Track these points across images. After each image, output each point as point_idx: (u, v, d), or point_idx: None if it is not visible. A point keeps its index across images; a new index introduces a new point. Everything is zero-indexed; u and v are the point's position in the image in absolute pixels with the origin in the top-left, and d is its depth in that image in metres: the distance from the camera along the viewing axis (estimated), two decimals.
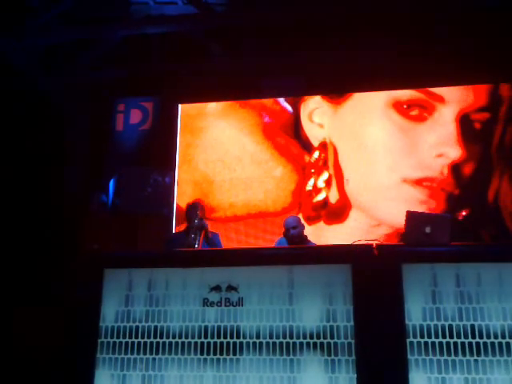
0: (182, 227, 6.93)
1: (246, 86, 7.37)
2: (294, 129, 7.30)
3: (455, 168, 6.70)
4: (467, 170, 6.71)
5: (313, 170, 7.07)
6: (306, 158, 7.16)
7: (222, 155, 7.37)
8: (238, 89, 7.36)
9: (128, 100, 7.87)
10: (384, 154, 6.94)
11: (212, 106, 7.59)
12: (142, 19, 7.05)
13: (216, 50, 7.27)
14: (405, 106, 7.03)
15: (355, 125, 7.12)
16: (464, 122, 6.82)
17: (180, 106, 7.62)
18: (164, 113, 7.72)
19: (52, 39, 7.27)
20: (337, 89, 7.32)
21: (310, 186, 7.02)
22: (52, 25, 7.02)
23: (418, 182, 6.74)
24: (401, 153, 6.89)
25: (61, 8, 6.87)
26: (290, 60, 7.20)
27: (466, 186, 6.69)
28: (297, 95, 7.41)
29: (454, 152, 6.73)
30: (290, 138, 7.28)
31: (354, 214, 6.86)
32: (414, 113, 6.98)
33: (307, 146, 7.20)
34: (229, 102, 7.56)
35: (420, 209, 6.58)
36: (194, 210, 5.18)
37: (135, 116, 7.79)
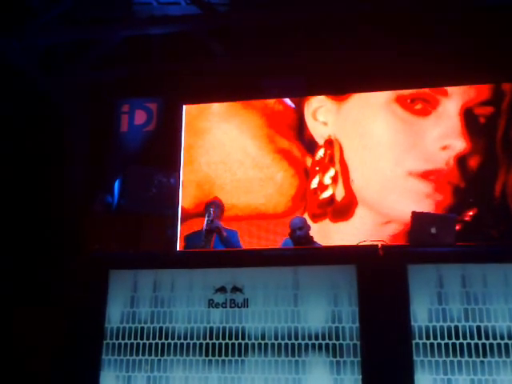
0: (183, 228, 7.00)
1: (250, 86, 7.36)
2: (298, 129, 7.31)
3: (461, 160, 6.71)
4: (473, 162, 6.71)
5: (317, 168, 7.07)
6: (309, 160, 7.15)
7: (223, 158, 7.36)
8: (241, 89, 7.35)
9: (132, 101, 7.86)
10: (389, 148, 6.95)
11: (214, 107, 7.57)
12: (145, 19, 7.04)
13: (219, 51, 7.25)
14: (408, 101, 7.05)
15: (360, 121, 7.13)
16: (468, 116, 6.84)
17: (184, 106, 7.61)
18: (168, 114, 7.71)
19: (52, 39, 7.25)
20: (339, 89, 7.32)
21: (314, 183, 7.01)
22: (53, 25, 7.01)
23: (424, 175, 6.74)
24: (406, 147, 6.89)
25: (61, 8, 6.86)
26: (294, 60, 7.20)
27: (472, 179, 6.69)
28: (300, 95, 7.40)
29: (459, 144, 6.73)
30: (294, 140, 7.27)
31: (360, 212, 6.86)
32: (418, 107, 7.00)
33: (310, 147, 7.19)
34: (231, 104, 7.55)
35: (426, 202, 6.61)
36: (207, 210, 5.14)
37: (140, 117, 7.78)
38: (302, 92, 7.40)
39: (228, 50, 7.27)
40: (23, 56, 7.22)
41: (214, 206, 5.23)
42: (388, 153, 6.93)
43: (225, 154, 7.37)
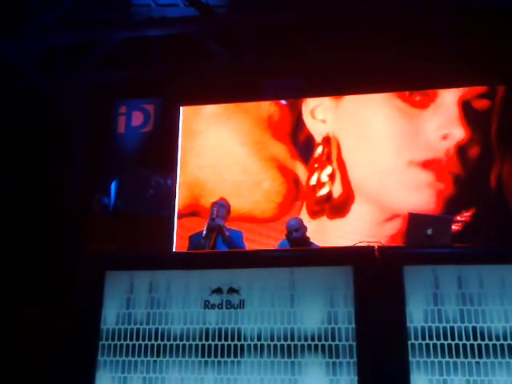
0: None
1: (248, 88, 7.37)
2: (292, 133, 7.33)
3: (461, 150, 6.76)
4: (472, 152, 6.76)
5: (316, 165, 7.10)
6: (300, 167, 7.18)
7: (213, 162, 7.40)
8: (239, 90, 7.36)
9: (129, 102, 7.88)
10: (389, 139, 7.02)
11: (206, 110, 7.60)
12: (144, 21, 7.05)
13: (217, 52, 7.26)
14: (407, 94, 7.13)
15: (359, 114, 7.20)
16: (466, 107, 6.92)
17: (182, 108, 7.62)
18: (165, 115, 7.73)
19: (52, 40, 7.28)
20: (339, 90, 7.33)
21: (313, 180, 7.06)
22: (52, 26, 7.02)
23: (425, 165, 6.79)
24: (406, 137, 6.97)
25: (61, 9, 6.88)
26: (293, 61, 7.20)
27: (471, 169, 6.74)
28: (300, 97, 7.42)
29: (459, 132, 6.80)
30: (287, 144, 7.30)
31: (358, 208, 6.89)
32: (417, 99, 7.05)
33: (305, 151, 7.23)
34: (224, 107, 7.57)
35: (427, 192, 6.66)
36: (211, 209, 5.12)
37: (137, 118, 7.80)
38: (301, 93, 7.41)
39: (226, 51, 7.28)
40: (23, 56, 7.24)
41: (217, 206, 5.19)
42: (388, 144, 6.99)
43: (214, 158, 7.40)
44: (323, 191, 7.02)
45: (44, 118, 7.61)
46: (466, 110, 6.92)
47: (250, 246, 6.78)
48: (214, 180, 7.32)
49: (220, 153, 7.40)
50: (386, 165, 6.91)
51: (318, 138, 7.20)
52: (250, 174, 7.28)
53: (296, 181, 7.17)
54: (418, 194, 6.71)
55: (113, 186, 7.39)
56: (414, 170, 6.81)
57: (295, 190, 7.15)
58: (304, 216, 6.90)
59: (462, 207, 6.65)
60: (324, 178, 7.04)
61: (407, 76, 6.95)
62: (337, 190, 6.98)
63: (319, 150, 7.16)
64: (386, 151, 6.96)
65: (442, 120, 6.90)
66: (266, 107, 7.41)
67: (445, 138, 6.82)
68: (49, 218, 7.23)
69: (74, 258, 6.49)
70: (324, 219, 6.94)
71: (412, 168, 6.82)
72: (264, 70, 7.24)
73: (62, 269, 6.44)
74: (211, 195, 7.04)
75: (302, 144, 7.28)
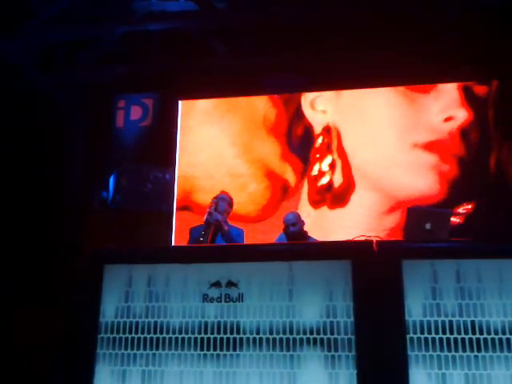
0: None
1: (248, 83, 7.39)
2: (287, 130, 7.36)
3: (464, 132, 6.79)
4: (475, 136, 6.80)
5: (318, 155, 7.14)
6: (289, 171, 7.20)
7: (202, 161, 7.45)
8: (239, 86, 7.38)
9: (128, 96, 7.92)
10: (391, 125, 7.07)
11: (199, 106, 7.62)
12: (144, 16, 7.06)
13: (217, 47, 7.27)
14: None
15: (359, 102, 7.28)
16: (466, 91, 6.96)
17: (180, 102, 7.65)
18: (164, 109, 7.76)
19: (52, 38, 7.29)
20: (339, 87, 7.36)
21: (315, 171, 7.11)
22: (52, 24, 7.03)
23: (428, 147, 6.82)
24: (408, 122, 7.04)
25: (61, 6, 6.89)
26: (292, 57, 7.22)
27: (474, 154, 6.77)
28: (298, 92, 7.45)
29: (462, 114, 6.85)
30: (281, 143, 7.32)
31: (358, 198, 6.92)
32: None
33: (302, 145, 7.26)
34: (217, 104, 7.59)
35: (431, 174, 6.68)
36: (211, 204, 5.08)
37: (135, 112, 7.84)
38: (301, 89, 7.44)
39: (226, 46, 7.30)
40: (23, 56, 7.25)
41: (216, 200, 5.15)
42: (391, 128, 7.05)
43: (203, 157, 7.45)
44: (324, 180, 7.06)
45: (44, 117, 7.62)
46: (467, 94, 6.98)
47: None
48: (203, 177, 7.36)
49: (211, 150, 7.46)
50: (389, 150, 6.96)
51: (318, 129, 7.24)
52: (237, 174, 7.31)
53: (283, 184, 7.20)
54: (422, 178, 6.76)
55: (111, 180, 7.42)
56: (418, 152, 6.86)
57: (281, 193, 7.18)
58: (305, 207, 6.94)
59: (464, 194, 6.67)
60: (325, 167, 7.09)
61: (406, 75, 6.98)
62: (337, 179, 7.02)
63: (319, 140, 7.20)
64: (388, 136, 7.02)
65: (444, 103, 6.96)
66: (262, 104, 7.44)
67: (447, 120, 6.87)
68: (49, 217, 7.23)
69: (74, 258, 6.50)
70: (325, 209, 6.97)
71: (415, 151, 6.87)
72: (264, 66, 7.25)
73: (62, 269, 6.44)
74: (202, 191, 7.10)
75: (300, 138, 7.32)
